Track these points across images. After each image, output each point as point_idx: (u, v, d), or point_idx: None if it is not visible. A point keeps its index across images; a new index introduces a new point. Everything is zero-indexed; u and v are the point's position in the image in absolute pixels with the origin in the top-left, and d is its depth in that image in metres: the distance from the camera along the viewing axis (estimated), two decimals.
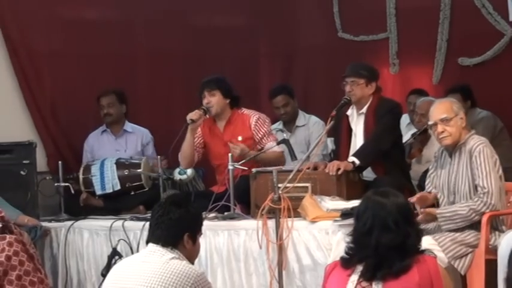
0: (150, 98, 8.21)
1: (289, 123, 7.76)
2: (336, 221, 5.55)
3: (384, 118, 6.20)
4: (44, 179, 7.15)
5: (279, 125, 7.76)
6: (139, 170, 7.08)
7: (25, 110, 7.61)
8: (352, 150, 6.27)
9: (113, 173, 7.09)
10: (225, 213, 6.15)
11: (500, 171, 5.31)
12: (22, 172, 6.99)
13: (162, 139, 7.52)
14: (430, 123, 5.42)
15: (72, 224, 6.68)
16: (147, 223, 4.49)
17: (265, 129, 6.61)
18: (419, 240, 3.81)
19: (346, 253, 3.83)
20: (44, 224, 6.73)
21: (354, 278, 3.75)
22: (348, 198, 5.80)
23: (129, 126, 7.58)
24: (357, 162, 6.01)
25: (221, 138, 6.63)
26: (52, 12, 7.79)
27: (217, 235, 6.00)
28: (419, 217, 5.19)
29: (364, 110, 6.29)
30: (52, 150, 7.65)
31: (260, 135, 6.58)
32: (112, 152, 7.43)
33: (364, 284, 3.72)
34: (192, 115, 6.46)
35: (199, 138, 6.71)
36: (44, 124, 7.65)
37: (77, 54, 7.81)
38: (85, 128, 7.68)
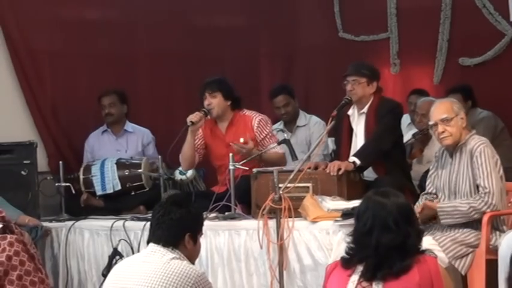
0: (151, 98, 8.21)
1: (290, 123, 7.76)
2: (336, 221, 5.55)
3: (384, 118, 6.20)
4: (44, 179, 7.16)
5: (279, 125, 7.76)
6: (139, 170, 7.08)
7: (26, 110, 7.61)
8: (353, 150, 6.27)
9: (114, 173, 7.10)
10: (226, 213, 6.15)
11: (501, 172, 5.31)
12: (23, 172, 6.99)
13: (162, 139, 7.52)
14: (430, 123, 5.42)
15: (73, 224, 6.69)
16: (148, 223, 4.49)
17: (267, 130, 6.61)
18: (419, 240, 3.81)
19: (347, 253, 3.83)
20: (45, 224, 6.74)
21: (355, 278, 3.75)
22: (349, 198, 5.80)
23: (129, 126, 7.58)
24: (358, 162, 6.01)
25: (223, 140, 6.62)
26: (53, 12, 7.79)
27: (218, 235, 6.01)
28: (419, 210, 5.19)
29: (365, 109, 6.29)
30: (53, 150, 7.65)
31: (262, 137, 6.57)
32: (113, 152, 7.43)
33: (364, 284, 3.72)
34: (192, 117, 6.45)
35: (200, 140, 6.71)
36: (44, 124, 7.65)
37: (77, 54, 7.82)
38: (86, 128, 7.69)
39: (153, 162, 7.25)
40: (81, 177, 7.14)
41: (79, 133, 7.72)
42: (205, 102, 6.56)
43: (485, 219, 5.18)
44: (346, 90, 6.29)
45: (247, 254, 5.91)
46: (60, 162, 7.08)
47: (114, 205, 7.07)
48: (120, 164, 7.16)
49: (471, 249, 5.21)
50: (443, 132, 5.32)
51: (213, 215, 6.10)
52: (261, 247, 5.76)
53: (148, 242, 4.17)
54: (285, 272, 5.66)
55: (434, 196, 5.51)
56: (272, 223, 5.71)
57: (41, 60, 7.69)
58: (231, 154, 6.18)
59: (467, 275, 5.21)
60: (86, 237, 6.62)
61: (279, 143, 6.47)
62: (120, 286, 4.05)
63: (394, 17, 8.49)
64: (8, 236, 5.83)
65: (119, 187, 7.10)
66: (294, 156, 6.37)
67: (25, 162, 7.00)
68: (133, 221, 6.50)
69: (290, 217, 5.63)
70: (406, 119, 7.61)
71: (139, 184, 7.12)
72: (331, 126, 6.11)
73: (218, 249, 6.00)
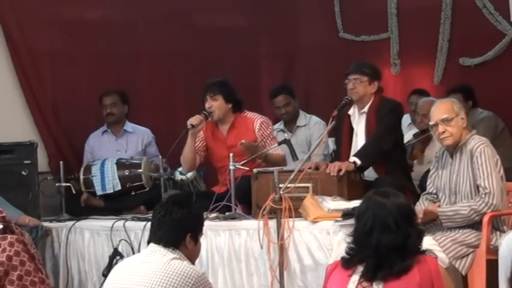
0: (151, 98, 8.21)
1: (290, 124, 7.76)
2: (337, 221, 5.55)
3: (385, 118, 6.20)
4: (45, 179, 7.16)
5: (280, 125, 7.76)
6: (139, 170, 7.08)
7: (26, 110, 7.62)
8: (353, 149, 6.27)
9: (114, 173, 7.10)
10: (226, 214, 6.15)
11: (502, 172, 5.31)
12: (23, 172, 6.99)
13: (162, 139, 7.52)
14: (431, 123, 5.42)
15: (74, 224, 6.69)
16: (148, 223, 4.49)
17: (268, 132, 6.62)
18: (420, 241, 3.81)
19: (347, 253, 3.82)
20: (45, 224, 6.74)
21: (355, 278, 3.75)
22: (349, 198, 5.80)
23: (129, 126, 7.57)
24: (358, 162, 6.00)
25: (224, 142, 6.62)
26: (53, 12, 7.79)
27: (219, 235, 6.00)
28: (420, 215, 5.19)
29: (365, 109, 6.28)
30: (53, 150, 7.65)
31: (263, 139, 6.57)
32: (113, 152, 7.43)
33: (365, 284, 3.72)
34: (193, 120, 6.45)
35: (201, 142, 6.70)
36: (45, 124, 7.66)
37: (78, 54, 7.82)
38: (86, 128, 7.69)
39: (156, 163, 7.24)
40: (82, 177, 7.14)
41: (79, 133, 7.72)
42: (206, 105, 6.55)
43: (485, 219, 5.17)
44: (347, 89, 6.28)
45: (247, 254, 5.91)
46: (61, 162, 7.08)
47: (115, 205, 7.07)
48: (120, 164, 7.16)
49: (471, 250, 5.21)
50: (443, 132, 5.32)
51: (213, 215, 6.10)
52: (262, 247, 5.76)
53: (148, 242, 4.17)
54: (285, 272, 5.66)
55: (435, 196, 5.51)
56: (272, 223, 5.71)
57: (41, 60, 7.69)
58: (231, 154, 6.17)
59: (467, 275, 5.21)
60: (87, 238, 6.62)
61: (280, 143, 6.47)
62: (121, 286, 4.05)
63: (394, 17, 8.49)
64: (9, 236, 5.83)
65: (119, 187, 7.10)
66: (295, 156, 6.36)
67: (25, 162, 7.01)
68: (134, 221, 6.50)
69: (290, 217, 5.62)
70: (406, 119, 7.61)
71: (139, 184, 7.12)
72: (331, 126, 6.12)
73: (218, 250, 5.99)
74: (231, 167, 6.12)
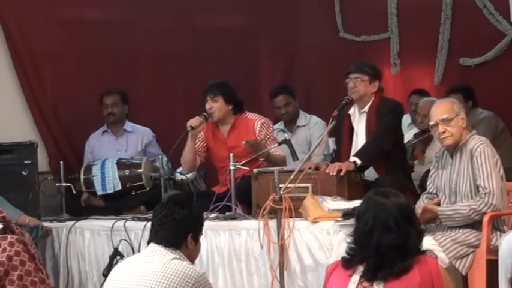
0: (151, 98, 8.21)
1: (290, 124, 7.76)
2: (337, 221, 5.55)
3: (385, 118, 6.20)
4: (45, 179, 7.16)
5: (280, 125, 7.76)
6: (140, 170, 7.09)
7: (26, 110, 7.62)
8: (354, 149, 6.27)
9: (114, 173, 7.10)
10: (227, 214, 6.15)
11: (502, 172, 5.31)
12: (23, 172, 6.99)
13: (163, 139, 7.52)
14: (431, 123, 5.42)
15: (74, 224, 6.69)
16: (149, 223, 4.49)
17: (269, 134, 6.62)
18: (420, 241, 3.80)
19: (347, 253, 3.82)
20: (46, 224, 6.74)
21: (355, 278, 3.75)
22: (350, 198, 5.79)
23: (129, 125, 7.56)
24: (358, 162, 6.00)
25: (225, 143, 6.62)
26: (53, 12, 7.79)
27: (219, 235, 6.00)
28: (419, 212, 5.19)
29: (366, 108, 6.28)
30: (53, 150, 7.65)
31: (264, 140, 6.57)
32: (113, 152, 7.42)
33: (365, 284, 3.72)
34: (192, 122, 6.45)
35: (202, 142, 6.70)
36: (45, 124, 7.66)
37: (78, 54, 7.82)
38: (86, 128, 7.69)
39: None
40: (82, 177, 7.15)
41: (80, 133, 7.72)
42: (207, 106, 6.55)
43: (485, 219, 5.17)
44: (348, 88, 6.27)
45: (247, 254, 5.91)
46: (61, 162, 7.09)
47: (115, 205, 7.07)
48: (121, 164, 7.16)
49: (472, 250, 5.21)
50: (443, 132, 5.32)
51: (213, 215, 6.10)
52: (262, 247, 5.76)
53: (149, 242, 4.17)
54: (285, 272, 5.66)
55: (435, 196, 5.51)
56: (273, 223, 5.71)
57: (41, 60, 7.69)
58: (231, 154, 6.18)
59: (467, 275, 5.21)
60: (87, 237, 6.62)
61: (280, 143, 6.47)
62: (121, 286, 4.05)
63: (394, 17, 8.49)
64: (9, 236, 5.83)
65: (119, 187, 7.10)
66: (295, 156, 6.37)
67: (26, 162, 7.01)
68: (134, 221, 6.50)
69: (291, 217, 5.62)
70: (406, 119, 7.61)
71: (139, 184, 7.12)
72: (331, 126, 6.12)
73: (219, 250, 5.99)
74: (231, 167, 6.12)
